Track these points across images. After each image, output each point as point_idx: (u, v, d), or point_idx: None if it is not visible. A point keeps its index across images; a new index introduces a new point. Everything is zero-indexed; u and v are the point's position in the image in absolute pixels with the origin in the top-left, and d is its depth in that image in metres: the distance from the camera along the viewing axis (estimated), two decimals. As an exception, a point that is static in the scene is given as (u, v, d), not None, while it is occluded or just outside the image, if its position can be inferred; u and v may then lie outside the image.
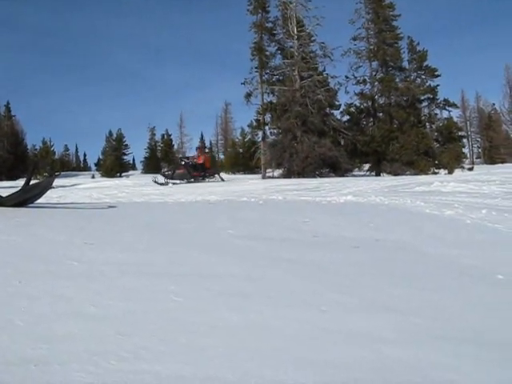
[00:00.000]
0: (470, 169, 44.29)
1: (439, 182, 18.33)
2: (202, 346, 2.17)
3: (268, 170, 45.06)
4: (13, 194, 6.45)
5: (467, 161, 58.44)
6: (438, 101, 46.61)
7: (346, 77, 47.19)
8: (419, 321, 2.71)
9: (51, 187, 8.69)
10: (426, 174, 38.79)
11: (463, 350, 2.33)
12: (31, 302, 2.56)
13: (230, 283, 3.16)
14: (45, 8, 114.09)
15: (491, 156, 69.70)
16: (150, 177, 45.35)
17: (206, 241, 4.49)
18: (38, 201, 6.88)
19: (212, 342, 2.23)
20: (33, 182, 6.99)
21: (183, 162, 26.84)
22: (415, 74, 47.61)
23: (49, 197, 9.43)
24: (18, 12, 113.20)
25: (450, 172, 40.12)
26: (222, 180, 25.53)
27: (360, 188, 19.17)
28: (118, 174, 59.62)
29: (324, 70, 46.11)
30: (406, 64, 48.21)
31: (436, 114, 48.01)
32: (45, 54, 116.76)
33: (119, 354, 2.04)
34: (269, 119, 46.35)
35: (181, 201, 9.54)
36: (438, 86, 46.29)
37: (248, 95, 45.68)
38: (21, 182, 7.00)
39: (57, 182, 10.64)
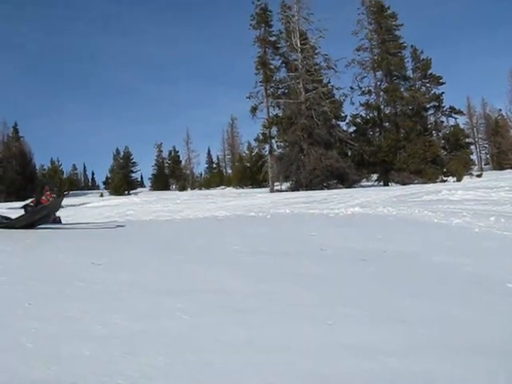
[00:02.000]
0: (479, 175, 44.06)
1: (447, 190, 18.27)
2: (209, 362, 2.18)
3: (276, 184, 45.07)
4: (22, 215, 6.51)
5: (475, 167, 58.15)
6: (444, 108, 46.55)
7: (351, 88, 47.30)
8: (428, 332, 2.70)
9: (60, 208, 8.76)
10: (435, 182, 38.64)
11: (473, 361, 2.32)
12: (40, 324, 2.57)
13: (236, 299, 3.16)
14: (50, 29, 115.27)
15: (500, 162, 69.31)
16: (158, 194, 45.45)
17: (213, 257, 4.50)
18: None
19: (219, 357, 2.24)
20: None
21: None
22: (420, 82, 47.61)
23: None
24: (23, 34, 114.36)
25: (459, 179, 39.95)
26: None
27: (368, 199, 19.13)
28: (127, 192, 59.79)
29: (329, 82, 46.24)
30: (410, 73, 48.26)
31: (442, 122, 47.92)
32: (51, 74, 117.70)
33: (126, 373, 2.05)
34: (275, 132, 46.44)
35: (189, 217, 9.57)
36: (443, 93, 46.25)
37: (254, 109, 45.84)
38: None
39: (66, 201, 10.72)
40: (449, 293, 3.72)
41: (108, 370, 2.07)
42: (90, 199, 31.53)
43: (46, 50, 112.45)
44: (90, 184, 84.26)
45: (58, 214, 11.08)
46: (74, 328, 2.54)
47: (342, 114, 47.28)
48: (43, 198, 11.32)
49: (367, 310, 3.08)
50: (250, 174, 59.10)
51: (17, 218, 6.47)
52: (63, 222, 10.11)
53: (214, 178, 72.98)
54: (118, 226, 6.92)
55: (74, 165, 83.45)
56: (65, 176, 66.96)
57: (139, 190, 67.32)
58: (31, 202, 11.41)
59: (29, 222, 6.37)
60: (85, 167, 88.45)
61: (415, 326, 2.80)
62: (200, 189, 66.62)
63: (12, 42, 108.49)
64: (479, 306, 3.34)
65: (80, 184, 78.01)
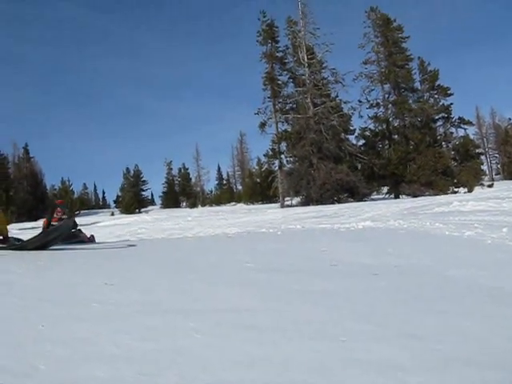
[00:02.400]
0: (490, 185, 43.87)
1: (458, 202, 18.19)
2: (222, 382, 2.19)
3: (286, 199, 45.09)
4: (34, 237, 6.56)
5: (486, 178, 57.90)
6: (453, 119, 46.53)
7: (359, 101, 47.47)
8: (441, 347, 2.69)
9: (75, 227, 8.84)
10: (446, 193, 38.52)
11: (488, 376, 2.31)
12: (54, 346, 2.59)
13: (247, 317, 3.17)
14: (59, 49, 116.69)
15: (511, 171, 68.97)
16: (169, 211, 45.51)
17: (224, 275, 4.51)
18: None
19: (233, 376, 2.25)
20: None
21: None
22: (428, 93, 47.65)
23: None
24: (30, 52, 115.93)
25: (470, 190, 39.79)
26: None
27: (379, 212, 19.07)
28: (137, 210, 60.01)
29: (337, 96, 46.44)
30: (418, 85, 48.38)
31: (451, 133, 47.88)
32: (59, 93, 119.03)
33: (140, 394, 2.07)
34: (284, 148, 46.62)
35: (200, 235, 9.60)
36: (451, 104, 46.29)
37: (262, 125, 46.06)
38: (40, 223, 7.11)
39: (77, 220, 10.77)
40: (462, 306, 3.70)
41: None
42: (101, 218, 31.68)
43: (55, 70, 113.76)
44: (100, 203, 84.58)
45: (88, 233, 11.01)
46: (87, 349, 2.56)
47: (351, 128, 47.44)
48: (55, 216, 11.26)
49: (379, 326, 3.07)
50: (261, 190, 59.18)
51: (28, 240, 6.52)
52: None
53: (225, 195, 73.07)
54: (130, 245, 6.95)
55: (84, 184, 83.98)
56: (75, 196, 67.29)
57: (150, 207, 67.53)
58: (44, 222, 11.38)
59: (41, 243, 6.41)
60: (95, 186, 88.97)
61: (428, 341, 2.79)
62: (211, 205, 66.70)
63: (21, 63, 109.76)
64: (492, 320, 3.32)
65: (91, 203, 78.31)
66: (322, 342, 2.75)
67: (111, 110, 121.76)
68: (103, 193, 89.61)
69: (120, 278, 4.36)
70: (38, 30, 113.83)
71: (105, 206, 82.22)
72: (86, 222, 28.18)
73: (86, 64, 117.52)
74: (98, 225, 24.54)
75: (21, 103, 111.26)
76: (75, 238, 8.45)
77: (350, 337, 2.83)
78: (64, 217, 11.40)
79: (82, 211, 51.13)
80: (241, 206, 58.04)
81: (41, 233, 6.54)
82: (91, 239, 10.57)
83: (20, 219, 44.36)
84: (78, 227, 11.06)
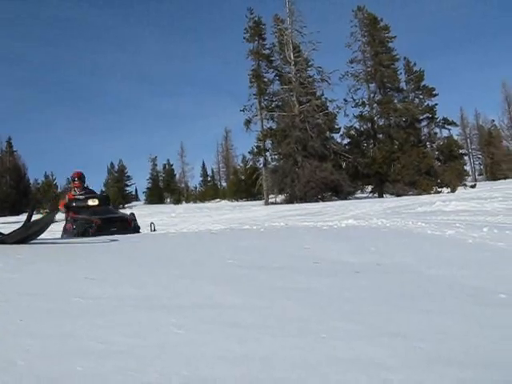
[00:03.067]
0: (473, 186, 44.32)
1: (441, 202, 18.36)
2: (204, 378, 2.17)
3: (270, 196, 45.19)
4: (14, 231, 6.47)
5: (469, 178, 58.52)
6: (437, 120, 46.95)
7: (345, 100, 47.73)
8: (423, 345, 2.70)
9: (54, 222, 8.71)
10: (429, 193, 38.87)
11: (469, 375, 2.32)
12: (33, 341, 2.55)
13: (229, 314, 3.16)
14: (44, 42, 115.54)
15: (493, 172, 69.89)
16: (153, 207, 45.31)
17: (207, 272, 4.49)
18: (41, 236, 6.89)
19: (214, 373, 2.23)
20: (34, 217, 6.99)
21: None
22: (413, 94, 48.03)
23: (53, 231, 9.47)
24: (15, 47, 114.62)
25: (453, 190, 40.18)
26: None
27: (362, 210, 19.18)
28: (122, 206, 59.71)
29: (322, 94, 46.66)
30: (403, 85, 48.80)
31: (436, 133, 48.36)
32: (43, 87, 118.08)
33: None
34: (269, 145, 46.67)
35: (183, 231, 9.57)
36: (436, 105, 46.71)
37: (248, 122, 46.16)
38: (24, 217, 7.01)
39: (61, 215, 10.65)
40: (443, 305, 3.73)
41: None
42: (85, 213, 31.27)
43: (40, 63, 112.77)
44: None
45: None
46: (66, 344, 2.52)
47: (336, 126, 47.69)
48: (71, 192, 11.02)
49: (362, 324, 3.08)
50: (245, 187, 59.26)
51: (8, 234, 6.42)
52: (58, 236, 10.05)
53: (209, 191, 73.09)
54: (112, 240, 6.89)
55: (68, 179, 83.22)
56: (59, 190, 66.75)
57: (134, 203, 67.32)
58: (60, 203, 10.92)
59: (22, 237, 6.33)
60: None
61: (410, 339, 2.80)
62: (195, 202, 66.63)
63: (5, 56, 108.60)
64: (473, 319, 3.35)
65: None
66: (306, 339, 2.75)
67: (96, 105, 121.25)
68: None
69: (101, 272, 4.32)
70: (26, 24, 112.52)
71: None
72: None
73: (72, 58, 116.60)
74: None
75: (4, 97, 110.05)
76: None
77: (333, 334, 2.83)
78: (80, 195, 10.91)
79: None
80: (225, 202, 58.00)
81: (21, 226, 6.44)
82: (136, 227, 10.37)
83: (2, 213, 43.98)
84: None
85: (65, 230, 10.69)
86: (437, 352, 2.60)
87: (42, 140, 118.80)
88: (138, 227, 10.63)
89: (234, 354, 2.46)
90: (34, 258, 5.16)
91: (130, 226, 10.35)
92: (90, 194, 11.12)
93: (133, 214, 10.86)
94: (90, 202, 10.67)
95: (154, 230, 10.54)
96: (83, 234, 9.55)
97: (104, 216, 10.28)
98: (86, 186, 11.47)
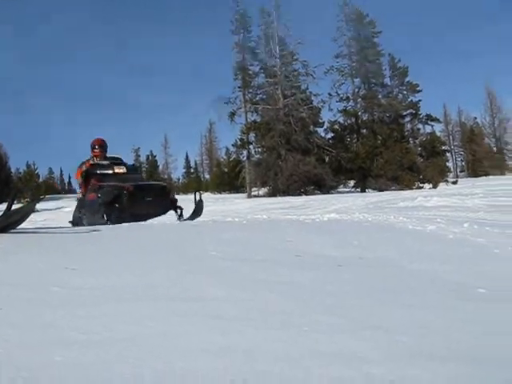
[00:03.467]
0: (454, 182, 44.75)
1: (423, 197, 18.51)
2: (186, 370, 2.16)
3: (253, 189, 45.23)
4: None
5: (451, 174, 59.08)
6: (421, 116, 47.29)
7: (329, 94, 47.85)
8: (405, 339, 2.71)
9: (34, 211, 8.57)
10: (411, 188, 39.17)
11: (451, 369, 2.33)
12: (13, 330, 2.52)
13: (211, 306, 3.14)
14: (25, 32, 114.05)
15: (475, 169, 70.65)
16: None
17: (187, 263, 4.47)
18: (22, 225, 6.80)
19: (197, 365, 2.22)
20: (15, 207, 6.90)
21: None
22: (397, 89, 48.35)
23: (33, 221, 9.37)
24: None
25: (435, 186, 40.54)
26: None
27: (345, 205, 19.28)
28: (104, 196, 59.19)
29: (307, 88, 46.71)
30: (387, 80, 49.07)
31: (419, 129, 48.72)
32: (24, 77, 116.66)
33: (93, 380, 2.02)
34: (253, 138, 46.65)
35: (164, 222, 9.50)
36: (419, 101, 47.08)
37: (232, 114, 46.09)
38: (4, 206, 6.92)
39: (42, 205, 10.51)
40: (425, 299, 3.75)
41: (75, 378, 2.03)
42: (67, 203, 31.15)
43: (22, 53, 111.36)
44: (66, 188, 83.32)
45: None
46: (45, 334, 2.50)
47: (320, 121, 47.79)
48: (90, 161, 9.52)
49: (343, 317, 3.08)
50: (228, 180, 59.18)
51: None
52: (39, 226, 9.89)
53: (192, 183, 72.77)
54: (93, 230, 6.82)
55: (50, 169, 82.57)
56: (41, 180, 66.15)
57: (116, 194, 66.70)
58: (77, 172, 9.43)
59: (2, 226, 6.24)
60: (62, 171, 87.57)
61: (392, 333, 2.81)
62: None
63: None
64: (454, 314, 3.37)
65: (57, 188, 77.10)
66: (288, 332, 2.74)
67: (78, 95, 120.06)
68: (69, 178, 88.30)
69: (82, 262, 4.28)
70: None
71: (70, 191, 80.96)
72: (51, 207, 27.76)
73: (54, 45, 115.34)
74: (64, 210, 24.08)
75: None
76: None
77: (316, 328, 2.83)
78: (104, 162, 9.49)
79: (47, 196, 50.22)
80: (208, 195, 57.91)
81: (1, 215, 6.35)
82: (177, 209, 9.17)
83: (-18, 202, 43.46)
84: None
85: (81, 205, 9.18)
86: (419, 346, 2.61)
87: (24, 129, 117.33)
88: (176, 200, 9.53)
89: (216, 346, 2.45)
90: (13, 247, 5.10)
91: (168, 196, 9.33)
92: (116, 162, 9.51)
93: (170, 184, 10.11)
94: (117, 169, 9.28)
95: None
96: (111, 203, 8.24)
97: (137, 183, 8.96)
98: (108, 156, 9.97)
